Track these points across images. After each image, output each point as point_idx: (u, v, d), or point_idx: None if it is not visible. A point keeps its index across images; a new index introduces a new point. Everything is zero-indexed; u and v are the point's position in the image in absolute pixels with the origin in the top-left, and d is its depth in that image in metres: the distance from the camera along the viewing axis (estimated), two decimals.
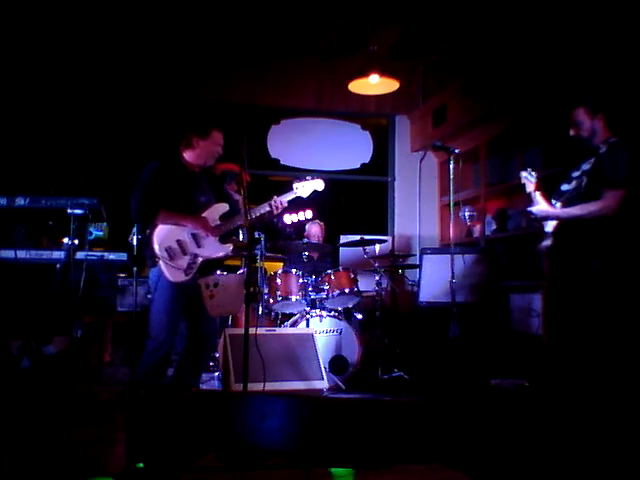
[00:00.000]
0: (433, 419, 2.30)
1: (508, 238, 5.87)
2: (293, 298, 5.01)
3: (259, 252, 5.01)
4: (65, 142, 6.18)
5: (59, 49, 5.91)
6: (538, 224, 3.73)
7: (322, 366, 4.50)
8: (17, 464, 2.70)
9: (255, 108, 6.68)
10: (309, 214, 6.98)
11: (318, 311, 5.02)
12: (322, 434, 2.30)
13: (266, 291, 5.06)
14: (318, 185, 3.87)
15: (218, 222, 3.68)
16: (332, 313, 5.07)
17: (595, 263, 3.43)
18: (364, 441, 2.28)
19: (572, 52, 4.73)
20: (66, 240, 4.50)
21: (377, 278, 5.23)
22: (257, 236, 4.93)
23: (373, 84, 5.85)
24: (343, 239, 6.02)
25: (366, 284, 5.53)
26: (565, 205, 3.58)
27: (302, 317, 4.97)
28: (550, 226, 3.62)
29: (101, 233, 5.27)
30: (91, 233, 5.19)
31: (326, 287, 5.10)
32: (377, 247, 5.50)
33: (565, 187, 3.65)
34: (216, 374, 4.84)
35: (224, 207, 3.73)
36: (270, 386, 3.96)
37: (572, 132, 3.60)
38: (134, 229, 3.57)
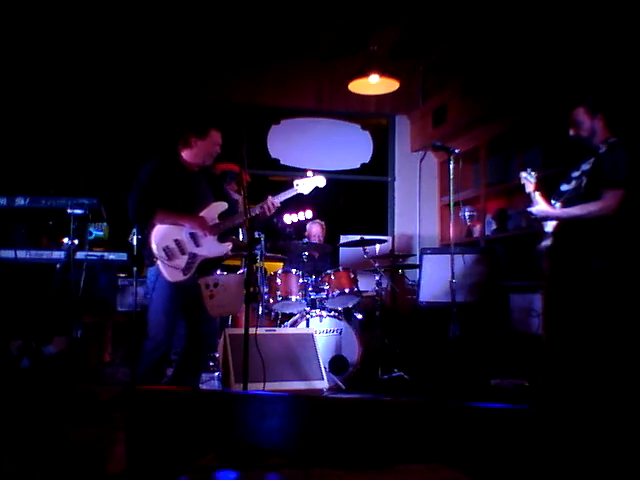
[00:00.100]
0: (433, 419, 2.30)
1: (508, 238, 5.87)
2: (293, 298, 5.01)
3: (259, 252, 5.01)
4: (65, 142, 6.18)
5: (59, 49, 5.91)
6: (538, 224, 3.73)
7: (322, 366, 4.50)
8: (17, 464, 2.70)
9: (255, 108, 6.67)
10: (309, 214, 7.00)
11: (318, 311, 5.02)
12: (322, 434, 2.30)
13: (266, 291, 5.06)
14: (319, 182, 3.84)
15: (216, 221, 3.66)
16: (332, 313, 5.07)
17: (595, 263, 3.43)
18: (364, 441, 2.28)
19: (572, 52, 4.73)
20: (66, 240, 4.50)
21: (377, 278, 5.23)
22: (257, 236, 4.92)
23: (373, 84, 5.85)
24: (343, 239, 6.02)
25: (366, 284, 5.53)
26: (565, 205, 3.58)
27: (302, 317, 4.97)
28: (550, 226, 3.62)
29: (101, 233, 5.27)
30: (91, 233, 5.19)
31: (326, 287, 5.10)
32: (377, 247, 5.50)
33: (565, 187, 3.65)
34: (216, 374, 4.84)
35: (223, 206, 3.72)
36: (270, 386, 3.96)
37: (572, 132, 3.60)
38: (134, 229, 3.56)
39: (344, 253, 6.12)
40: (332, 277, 5.12)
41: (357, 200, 7.98)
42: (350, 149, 7.19)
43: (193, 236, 3.58)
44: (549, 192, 3.71)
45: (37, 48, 5.86)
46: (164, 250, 3.49)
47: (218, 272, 4.81)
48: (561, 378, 3.52)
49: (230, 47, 6.21)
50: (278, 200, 3.68)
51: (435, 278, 5.11)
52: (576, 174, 3.59)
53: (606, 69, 4.42)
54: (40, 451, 2.89)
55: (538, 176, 3.73)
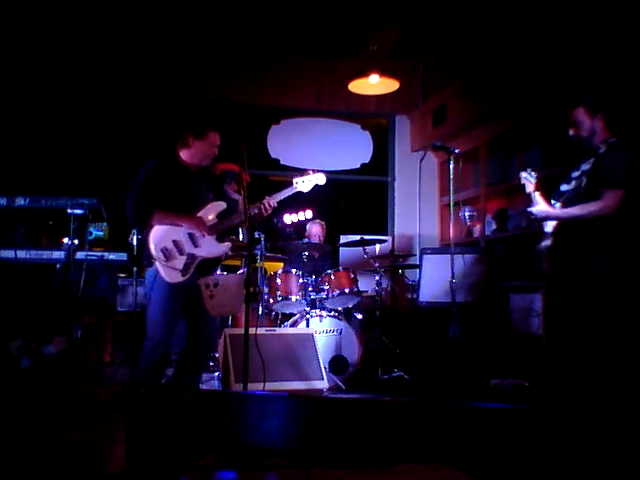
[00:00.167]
0: (433, 419, 2.30)
1: (508, 238, 5.87)
2: (293, 298, 5.01)
3: (259, 252, 5.01)
4: (65, 142, 6.18)
5: (59, 49, 5.91)
6: (538, 224, 3.73)
7: (322, 366, 4.50)
8: (17, 464, 2.70)
9: (255, 108, 6.67)
10: (309, 214, 7.00)
11: (318, 311, 5.02)
12: (322, 434, 2.30)
13: (266, 291, 5.06)
14: (319, 179, 3.80)
15: (215, 221, 3.64)
16: (332, 313, 5.07)
17: (595, 263, 3.43)
18: (364, 441, 2.28)
19: (572, 52, 4.73)
20: (66, 240, 4.51)
21: (377, 278, 5.23)
22: (257, 236, 4.93)
23: (373, 84, 5.85)
24: (343, 239, 6.02)
25: (366, 284, 5.53)
26: (564, 205, 3.58)
27: (302, 317, 4.97)
28: (550, 226, 3.62)
29: (101, 233, 5.27)
30: (91, 233, 5.19)
31: (326, 287, 5.10)
32: (377, 247, 5.50)
33: (564, 187, 3.65)
34: (216, 374, 4.84)
35: (221, 206, 3.69)
36: (270, 386, 3.96)
37: (572, 132, 3.60)
38: (134, 229, 3.56)
39: (344, 253, 6.12)
40: (332, 277, 5.12)
41: (357, 200, 7.98)
42: (350, 149, 7.20)
43: (191, 236, 3.56)
44: (549, 192, 3.71)
45: (37, 48, 5.86)
46: (162, 251, 3.47)
47: (218, 272, 4.83)
48: (561, 378, 3.52)
49: (230, 47, 6.21)
50: (275, 200, 3.66)
51: (435, 278, 5.11)
52: (576, 174, 3.59)
53: (606, 69, 4.42)
54: (40, 451, 2.89)
55: (538, 176, 3.73)
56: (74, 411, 3.68)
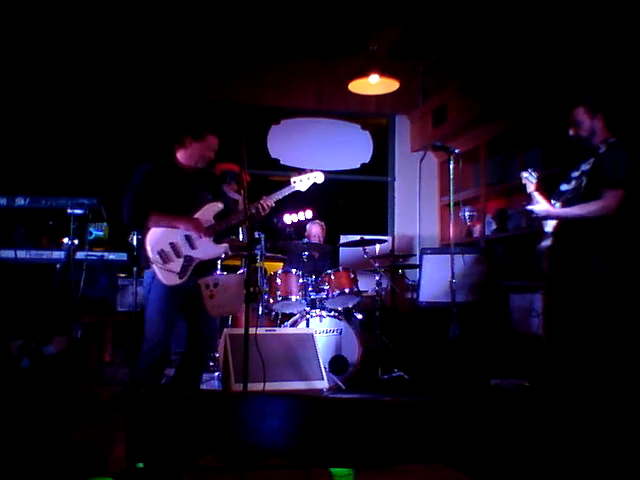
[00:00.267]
0: (433, 419, 2.30)
1: (508, 238, 5.87)
2: (293, 298, 5.01)
3: (259, 252, 5.01)
4: (65, 142, 6.18)
5: (59, 49, 5.91)
6: (538, 224, 3.73)
7: (322, 366, 4.50)
8: (17, 464, 2.70)
9: (255, 108, 6.68)
10: (309, 214, 7.01)
11: (318, 311, 5.02)
12: (322, 434, 2.30)
13: (266, 291, 5.06)
14: (317, 178, 3.77)
15: (212, 222, 3.62)
16: (332, 313, 5.07)
17: (595, 263, 3.43)
18: (364, 441, 2.28)
19: (572, 52, 4.73)
20: (66, 240, 4.51)
21: (377, 278, 5.23)
22: (257, 236, 4.93)
23: (373, 84, 5.85)
24: (343, 239, 6.02)
25: (366, 284, 5.53)
26: (564, 205, 3.58)
27: (302, 317, 4.97)
28: (550, 226, 3.63)
29: (101, 233, 5.27)
30: (91, 233, 5.19)
31: (326, 287, 5.10)
32: (377, 247, 5.50)
33: (564, 187, 3.65)
34: (216, 374, 4.84)
35: (218, 206, 3.66)
36: (270, 386, 3.96)
37: (571, 132, 3.60)
38: (133, 230, 3.55)
39: (344, 253, 6.12)
40: (332, 277, 5.12)
41: (357, 200, 7.98)
42: (350, 149, 7.20)
43: (188, 238, 3.54)
44: (549, 192, 3.71)
45: (37, 48, 5.86)
46: (159, 254, 3.45)
47: (218, 272, 4.82)
48: (561, 378, 3.52)
49: (230, 47, 6.21)
50: (273, 200, 3.64)
51: (435, 278, 5.11)
52: (576, 174, 3.59)
53: (606, 69, 4.42)
54: (40, 451, 2.89)
55: (539, 176, 3.74)
56: (74, 411, 3.68)
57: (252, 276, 4.80)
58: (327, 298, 5.09)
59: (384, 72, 5.72)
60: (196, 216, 3.60)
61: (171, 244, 3.50)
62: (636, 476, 2.15)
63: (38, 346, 4.49)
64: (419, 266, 5.41)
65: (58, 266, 4.53)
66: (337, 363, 4.89)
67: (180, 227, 3.53)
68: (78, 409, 3.71)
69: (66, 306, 4.44)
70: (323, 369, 4.50)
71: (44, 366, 4.43)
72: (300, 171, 3.81)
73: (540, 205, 3.63)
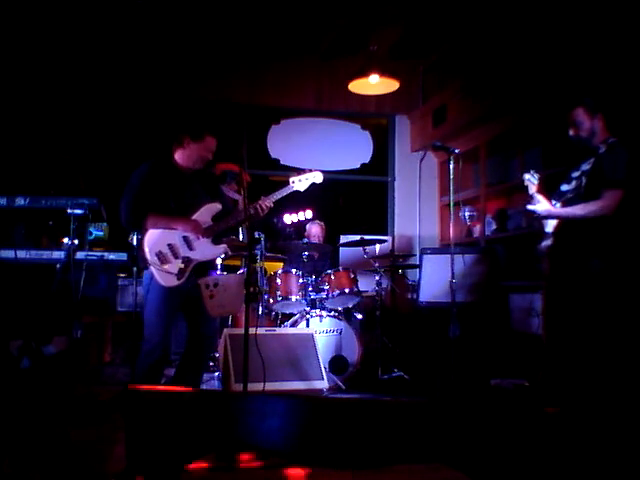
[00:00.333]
0: (433, 419, 2.30)
1: (508, 238, 5.87)
2: (293, 298, 5.01)
3: (259, 252, 5.01)
4: (65, 142, 6.18)
5: (60, 49, 5.91)
6: (538, 224, 3.73)
7: (322, 366, 4.50)
8: (17, 464, 2.70)
9: (255, 108, 6.68)
10: (309, 214, 7.00)
11: (318, 311, 5.02)
12: (322, 434, 2.30)
13: (266, 291, 5.06)
14: (316, 178, 3.76)
15: (210, 223, 3.61)
16: (332, 313, 5.07)
17: (595, 263, 3.43)
18: (364, 441, 2.28)
19: (572, 52, 4.73)
20: (66, 240, 4.51)
21: (377, 278, 5.23)
22: (257, 236, 4.93)
23: (373, 84, 5.85)
24: (343, 239, 6.02)
25: (366, 284, 5.53)
26: (565, 205, 3.58)
27: (302, 317, 4.97)
28: (550, 226, 3.63)
29: (101, 233, 5.27)
30: (91, 233, 5.19)
31: (326, 287, 5.10)
32: (377, 247, 5.50)
33: (565, 187, 3.65)
34: (216, 374, 4.84)
35: (216, 207, 3.65)
36: (270, 386, 3.96)
37: (571, 132, 3.60)
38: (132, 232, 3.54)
39: (344, 253, 6.12)
40: (332, 277, 5.12)
41: (357, 200, 7.98)
42: (350, 149, 7.20)
43: (186, 240, 3.53)
44: (549, 192, 3.71)
45: (37, 48, 5.86)
46: (157, 255, 3.44)
47: (218, 272, 4.82)
48: (561, 378, 3.52)
49: (230, 47, 6.21)
50: (271, 200, 3.63)
51: (435, 278, 5.11)
52: (576, 174, 3.59)
53: (606, 69, 4.42)
54: (40, 451, 2.89)
55: (540, 178, 3.74)
56: (74, 411, 3.68)
57: (252, 276, 4.80)
58: (327, 298, 5.09)
59: (384, 72, 5.72)
60: (194, 217, 3.58)
61: (169, 245, 3.49)
62: (636, 476, 2.15)
63: (38, 346, 4.49)
64: (419, 266, 5.41)
65: (58, 266, 4.53)
66: (337, 363, 4.89)
67: (178, 228, 3.52)
68: (78, 409, 3.71)
69: (66, 306, 4.44)
70: (323, 369, 4.50)
71: (44, 366, 4.43)
72: (299, 171, 3.80)
73: (541, 205, 3.63)
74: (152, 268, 3.43)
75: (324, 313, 5.01)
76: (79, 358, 4.83)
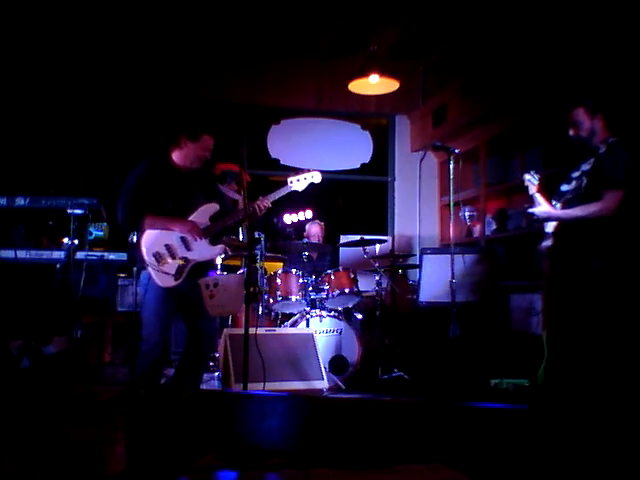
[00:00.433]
0: (433, 419, 2.30)
1: (508, 238, 5.87)
2: (293, 298, 5.01)
3: (259, 252, 5.01)
4: (65, 142, 6.18)
5: (60, 49, 5.91)
6: (539, 225, 3.73)
7: (322, 366, 4.50)
8: (17, 464, 2.70)
9: (255, 108, 6.68)
10: (309, 214, 7.00)
11: (318, 311, 5.02)
12: (322, 434, 2.30)
13: (266, 291, 5.06)
14: (315, 178, 3.74)
15: (208, 223, 3.60)
16: (332, 313, 5.07)
17: (595, 263, 3.43)
18: (364, 441, 2.28)
19: (572, 52, 4.73)
20: (66, 240, 4.51)
21: (377, 278, 5.23)
22: (257, 236, 4.92)
23: (373, 84, 5.85)
24: (343, 239, 6.02)
25: (366, 284, 5.53)
26: (565, 205, 3.58)
27: (302, 317, 4.97)
28: (550, 227, 3.63)
29: (101, 233, 5.27)
30: (91, 233, 5.19)
31: (326, 287, 5.10)
32: (377, 247, 5.50)
33: (565, 187, 3.65)
34: (216, 374, 4.83)
35: (214, 207, 3.64)
36: (270, 386, 3.96)
37: (571, 132, 3.60)
38: (131, 232, 3.54)
39: (344, 253, 6.12)
40: (332, 277, 5.12)
41: (357, 200, 7.98)
42: (350, 149, 7.20)
43: (184, 240, 3.52)
44: (549, 192, 3.71)
45: (37, 48, 5.86)
46: (154, 256, 3.44)
47: (218, 272, 4.82)
48: (561, 378, 3.52)
49: (230, 47, 6.21)
50: (269, 200, 3.61)
51: (435, 278, 5.11)
52: (576, 174, 3.59)
53: (606, 69, 4.42)
54: (40, 451, 2.89)
55: (541, 178, 3.74)
56: (74, 411, 3.68)
57: (252, 276, 4.80)
58: (327, 298, 5.09)
59: (384, 72, 5.72)
60: (191, 218, 3.57)
61: (166, 246, 3.48)
62: (636, 476, 2.15)
63: (38, 346, 4.49)
64: (419, 266, 5.41)
65: (58, 266, 4.53)
66: (337, 363, 4.89)
67: (176, 230, 3.52)
68: (78, 409, 3.71)
69: (66, 306, 4.44)
70: (323, 369, 4.50)
71: (44, 366, 4.43)
72: (297, 171, 3.79)
73: (541, 207, 3.63)
74: (149, 268, 3.42)
75: (324, 313, 5.01)
76: (79, 358, 4.83)
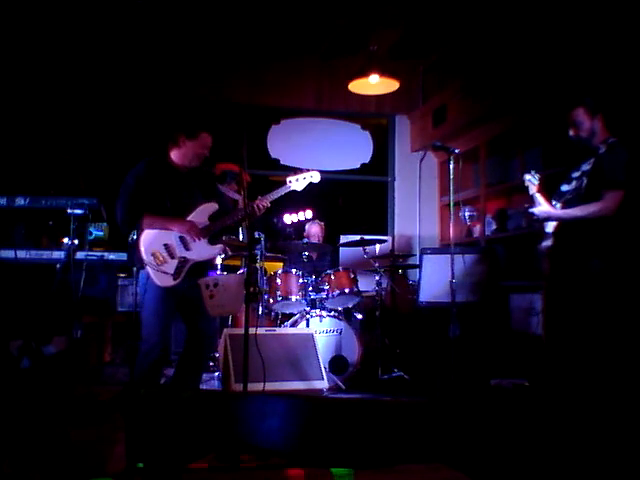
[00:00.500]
0: (433, 419, 2.30)
1: (508, 238, 5.87)
2: (293, 298, 5.01)
3: (259, 252, 5.00)
4: (65, 142, 6.18)
5: (60, 49, 5.91)
6: (539, 225, 3.73)
7: (322, 366, 4.50)
8: (17, 464, 2.70)
9: (255, 108, 6.68)
10: (309, 214, 7.00)
11: (318, 311, 5.02)
12: (322, 434, 2.30)
13: (266, 291, 5.06)
14: (314, 177, 3.74)
15: (207, 223, 3.60)
16: (332, 313, 5.07)
17: (595, 263, 3.43)
18: (364, 441, 2.28)
19: (572, 52, 4.73)
20: (66, 240, 4.51)
21: (377, 278, 5.23)
22: (257, 236, 4.92)
23: (373, 84, 5.85)
24: (343, 239, 6.01)
25: (366, 284, 5.53)
26: (565, 205, 3.58)
27: (302, 317, 4.97)
28: (550, 227, 3.63)
29: (101, 233, 5.27)
30: (91, 233, 5.19)
31: (326, 287, 5.10)
32: (377, 247, 5.50)
33: (565, 187, 3.65)
34: (216, 374, 4.84)
35: (213, 207, 3.64)
36: (270, 386, 3.96)
37: (571, 132, 3.60)
38: (131, 232, 3.54)
39: (344, 253, 6.11)
40: (332, 277, 5.12)
41: (357, 200, 7.98)
42: (350, 149, 7.20)
43: (182, 240, 3.51)
44: (549, 192, 3.71)
45: (37, 48, 5.86)
46: (152, 255, 3.44)
47: (218, 272, 4.82)
48: (561, 378, 3.52)
49: (230, 47, 6.21)
50: (268, 200, 3.61)
51: (435, 278, 5.11)
52: (576, 174, 3.59)
53: (606, 69, 4.42)
54: (40, 451, 2.89)
55: (541, 178, 3.74)
56: (74, 411, 3.68)
57: (252, 276, 4.80)
58: (327, 298, 5.09)
59: (384, 72, 5.72)
60: (190, 217, 3.56)
61: (165, 245, 3.48)
62: (636, 476, 2.15)
63: (38, 346, 4.49)
64: (419, 266, 5.41)
65: (58, 266, 4.53)
66: (337, 363, 4.89)
67: (174, 230, 3.51)
68: (78, 409, 3.71)
69: (66, 306, 4.44)
70: (323, 369, 4.50)
71: (44, 366, 4.43)
72: (296, 170, 3.79)
73: (541, 207, 3.63)
74: (148, 268, 3.42)
75: (324, 313, 5.01)
76: (79, 358, 4.83)
